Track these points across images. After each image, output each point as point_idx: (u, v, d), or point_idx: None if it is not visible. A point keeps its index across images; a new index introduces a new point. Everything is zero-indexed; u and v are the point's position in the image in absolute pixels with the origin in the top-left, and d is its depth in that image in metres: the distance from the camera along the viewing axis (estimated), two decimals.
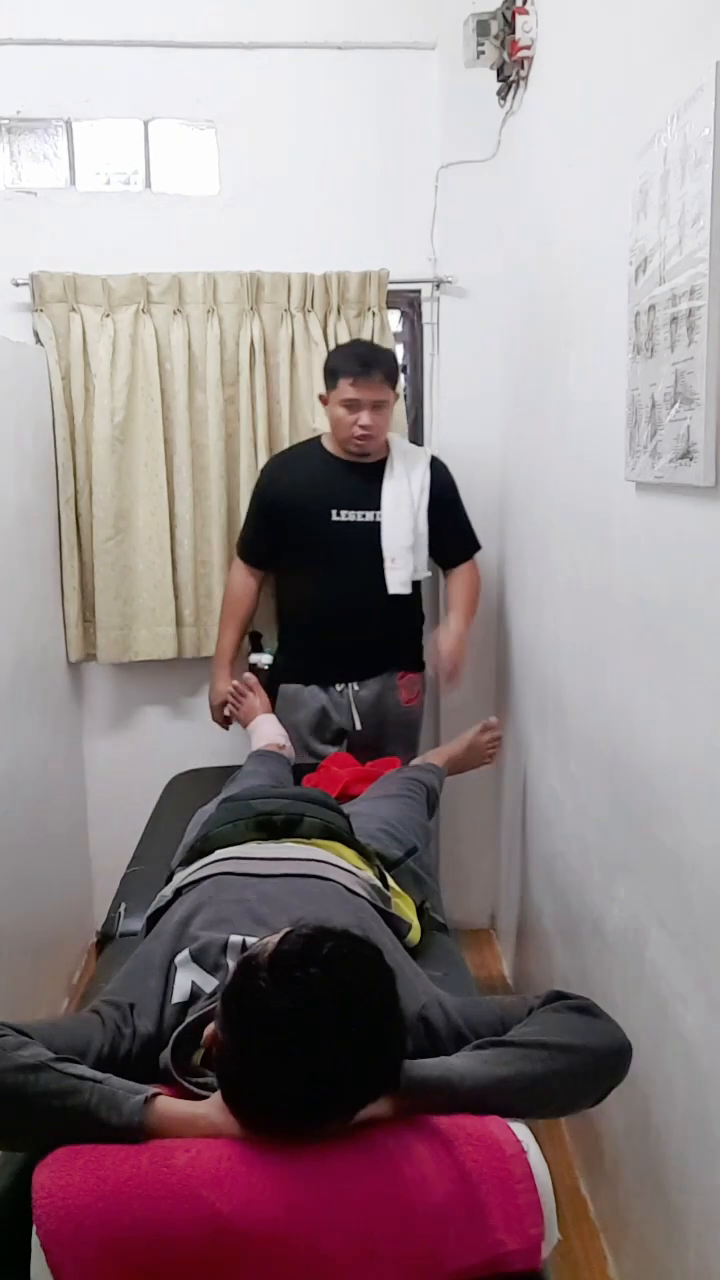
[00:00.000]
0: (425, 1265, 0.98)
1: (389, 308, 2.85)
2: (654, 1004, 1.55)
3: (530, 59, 2.33)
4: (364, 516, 2.55)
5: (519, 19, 2.30)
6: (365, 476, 2.56)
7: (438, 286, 2.87)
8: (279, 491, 2.63)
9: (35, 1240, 0.95)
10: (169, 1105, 1.07)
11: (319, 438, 2.65)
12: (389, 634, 2.65)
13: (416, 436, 3.02)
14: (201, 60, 2.75)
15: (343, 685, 2.65)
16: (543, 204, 2.28)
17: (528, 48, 2.31)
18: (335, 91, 2.80)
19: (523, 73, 2.39)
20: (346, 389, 2.44)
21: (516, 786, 2.70)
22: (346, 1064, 1.00)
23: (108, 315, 2.74)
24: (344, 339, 2.79)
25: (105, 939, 1.94)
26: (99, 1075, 1.07)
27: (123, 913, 1.94)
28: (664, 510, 1.46)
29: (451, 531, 2.66)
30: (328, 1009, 0.99)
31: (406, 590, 2.56)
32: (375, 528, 2.55)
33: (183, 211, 2.82)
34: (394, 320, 2.96)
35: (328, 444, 2.61)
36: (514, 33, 2.33)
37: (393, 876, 1.76)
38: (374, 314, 2.79)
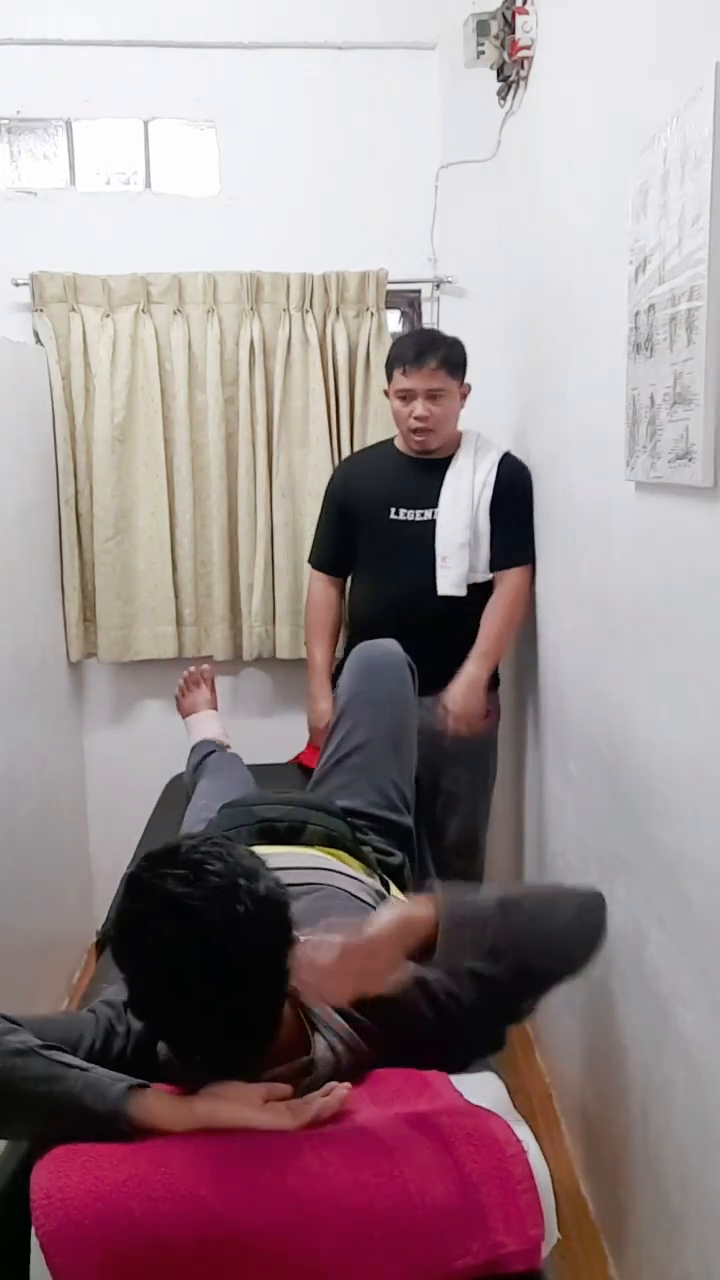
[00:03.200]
0: (425, 1266, 0.98)
1: (389, 308, 2.85)
2: (654, 1004, 1.55)
3: (530, 59, 2.33)
4: (422, 515, 2.42)
5: (519, 19, 2.30)
6: (430, 473, 2.42)
7: (437, 286, 2.87)
8: (346, 492, 2.54)
9: (35, 1241, 0.95)
10: (156, 1095, 1.06)
11: (394, 437, 2.54)
12: (449, 642, 2.39)
13: None
14: (201, 60, 2.75)
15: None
16: (543, 204, 2.28)
17: (528, 48, 2.31)
18: (335, 91, 2.80)
19: (523, 73, 2.39)
20: (400, 379, 2.32)
21: (515, 786, 2.70)
22: (209, 954, 1.00)
23: (108, 315, 2.74)
24: (342, 339, 2.79)
25: (105, 939, 1.93)
26: (86, 1064, 1.06)
27: None
28: (664, 510, 1.46)
29: (500, 530, 2.42)
30: (170, 908, 1.01)
31: (458, 591, 2.38)
32: (433, 526, 2.40)
33: (183, 211, 2.82)
34: (394, 320, 2.96)
35: (399, 443, 2.50)
36: (514, 33, 2.33)
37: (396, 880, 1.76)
38: (373, 314, 2.79)
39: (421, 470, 2.43)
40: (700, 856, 1.36)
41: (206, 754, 2.36)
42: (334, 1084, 1.09)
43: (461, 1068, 1.22)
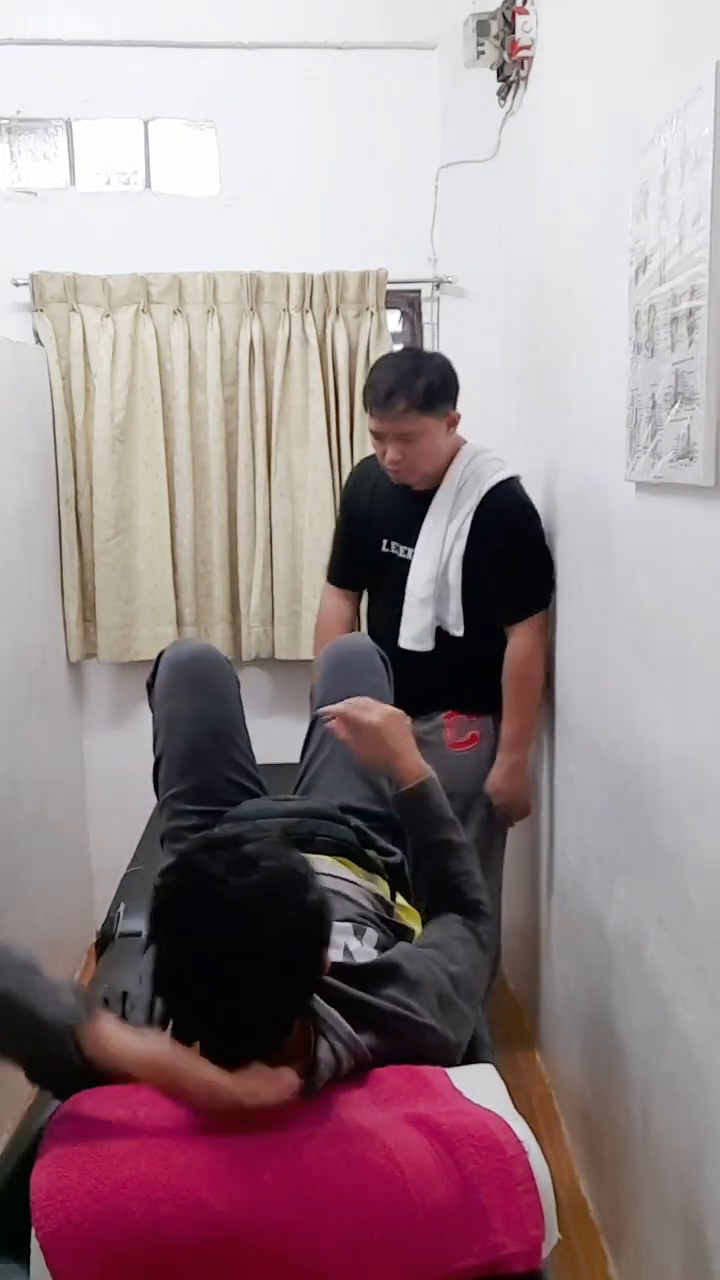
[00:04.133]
0: (425, 1266, 0.98)
1: (388, 308, 2.85)
2: (654, 1004, 1.55)
3: (530, 59, 2.33)
4: (406, 553, 2.21)
5: (519, 19, 2.30)
6: (419, 505, 2.19)
7: (437, 286, 2.87)
8: (352, 504, 2.38)
9: (35, 1243, 0.95)
10: (118, 1023, 1.06)
11: None
12: (435, 677, 2.22)
13: None
14: (201, 60, 2.75)
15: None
16: (543, 204, 2.28)
17: (528, 48, 2.31)
18: (335, 91, 2.79)
19: (523, 73, 2.39)
20: (370, 418, 2.13)
21: None
22: (241, 945, 1.01)
23: (108, 315, 2.74)
24: (342, 339, 2.78)
25: (105, 939, 1.94)
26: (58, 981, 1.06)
27: (122, 913, 1.94)
28: (664, 510, 1.46)
29: (493, 581, 2.16)
30: (217, 892, 1.02)
31: (420, 646, 2.19)
32: (409, 568, 2.22)
33: (183, 211, 2.82)
34: (393, 320, 2.96)
35: None
36: (514, 33, 2.33)
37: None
38: (373, 314, 2.79)
39: (411, 500, 2.20)
40: (700, 856, 1.36)
41: None
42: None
43: (464, 1047, 1.25)
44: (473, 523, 2.13)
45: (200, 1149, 1.01)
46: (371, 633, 2.30)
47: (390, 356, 2.24)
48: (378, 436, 2.12)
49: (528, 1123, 1.10)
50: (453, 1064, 1.21)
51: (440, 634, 2.19)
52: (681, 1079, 1.44)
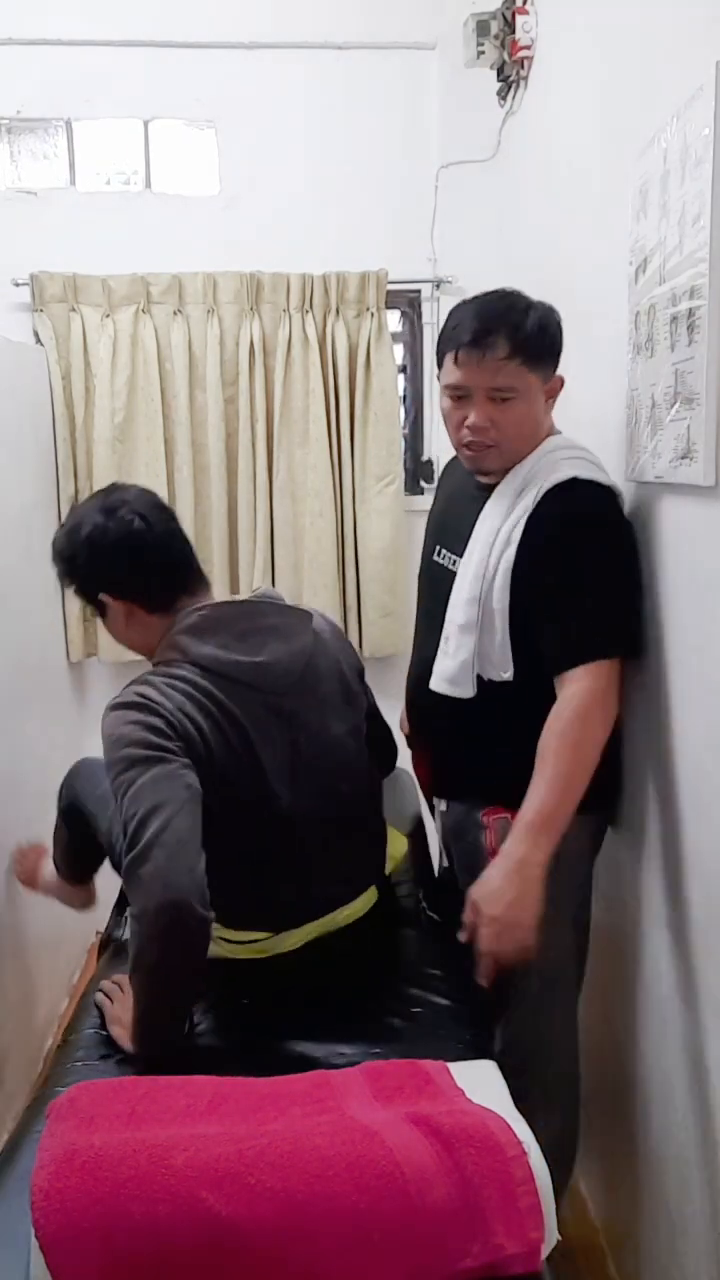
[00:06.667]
0: (425, 1267, 0.98)
1: (389, 308, 2.85)
2: (654, 1004, 1.55)
3: (530, 59, 2.33)
4: (454, 563, 1.63)
5: (519, 19, 2.30)
6: (480, 506, 1.61)
7: (438, 286, 2.87)
8: (433, 507, 1.83)
9: (34, 1244, 0.95)
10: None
11: None
12: (474, 743, 1.62)
13: (415, 440, 3.02)
14: (201, 60, 2.75)
15: (437, 797, 1.74)
16: (543, 204, 2.27)
17: (528, 48, 2.31)
18: (335, 91, 2.80)
19: (523, 73, 2.39)
20: (451, 369, 1.53)
21: None
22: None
23: (108, 315, 2.74)
24: (342, 339, 2.78)
25: (107, 940, 1.94)
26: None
27: (126, 918, 1.93)
28: (664, 510, 1.46)
29: (542, 608, 1.51)
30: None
31: (456, 691, 1.58)
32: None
33: (183, 211, 2.82)
34: (394, 320, 2.96)
35: None
36: (514, 33, 2.33)
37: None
38: (373, 314, 2.79)
39: (480, 498, 1.61)
40: (701, 855, 1.36)
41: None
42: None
43: None
44: (525, 529, 1.52)
45: (200, 1149, 1.01)
46: (410, 672, 1.75)
47: (478, 297, 1.58)
48: (457, 395, 1.54)
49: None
50: None
51: (485, 680, 1.57)
52: (682, 1078, 1.44)
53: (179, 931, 1.23)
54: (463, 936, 1.43)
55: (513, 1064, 1.31)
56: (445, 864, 1.81)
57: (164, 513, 1.55)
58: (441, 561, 1.67)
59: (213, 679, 1.43)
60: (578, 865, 1.60)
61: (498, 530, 1.54)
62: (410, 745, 1.80)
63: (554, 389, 1.57)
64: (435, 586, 1.66)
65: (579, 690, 1.46)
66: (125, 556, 1.49)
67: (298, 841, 1.49)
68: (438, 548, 1.70)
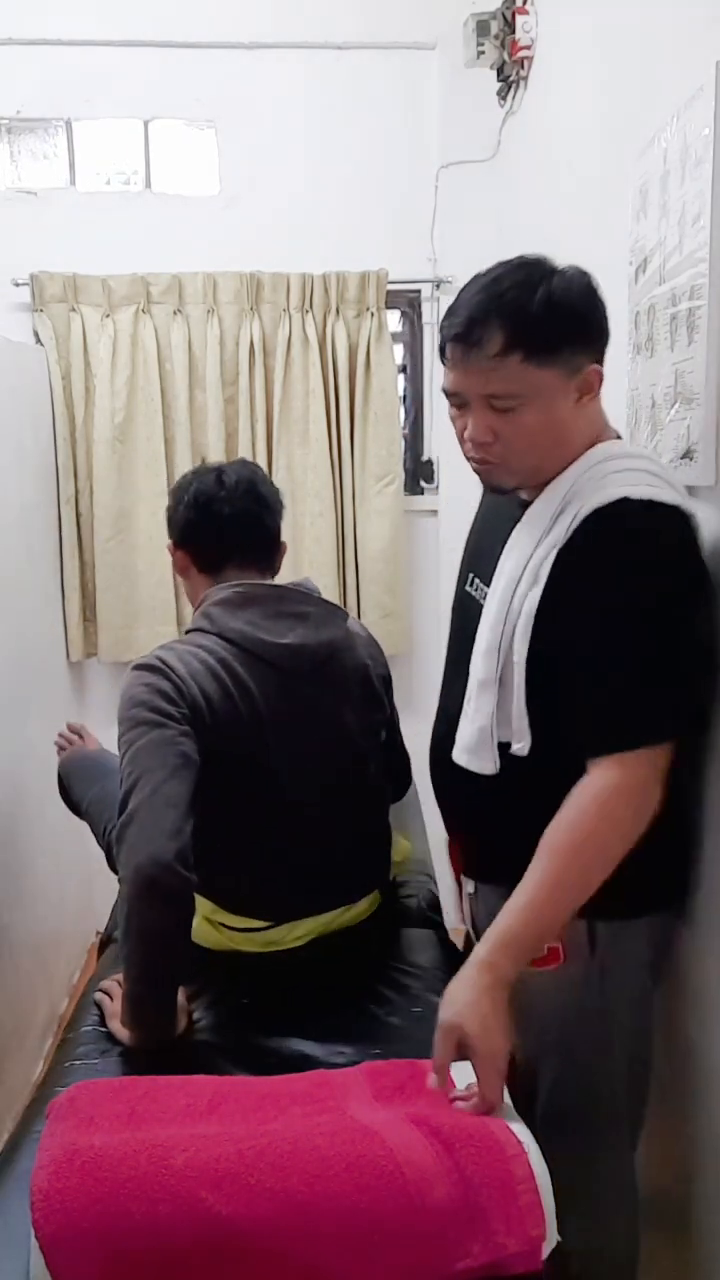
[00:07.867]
0: (425, 1267, 0.98)
1: (389, 308, 2.85)
2: (655, 1002, 1.54)
3: (530, 59, 2.33)
4: (484, 596, 1.32)
5: (519, 19, 2.30)
6: (512, 526, 1.29)
7: (437, 286, 2.87)
8: (472, 525, 1.50)
9: (34, 1244, 0.95)
10: None
11: None
12: (497, 829, 1.30)
13: (415, 441, 3.02)
14: (201, 60, 2.76)
15: (467, 878, 1.44)
16: (542, 204, 2.28)
17: (528, 48, 2.31)
18: (335, 91, 2.80)
19: (523, 73, 2.39)
20: (446, 368, 1.23)
21: None
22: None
23: (108, 315, 2.74)
24: (342, 339, 2.78)
25: (107, 940, 1.93)
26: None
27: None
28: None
29: (564, 669, 1.20)
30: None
31: (476, 765, 1.28)
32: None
33: (183, 211, 2.82)
34: (394, 320, 2.96)
35: None
36: (514, 33, 2.33)
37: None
38: (373, 314, 2.79)
39: (513, 517, 1.28)
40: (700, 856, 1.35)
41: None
42: None
43: None
44: (555, 563, 1.20)
45: (200, 1149, 1.01)
46: (434, 729, 1.43)
47: (496, 265, 1.21)
48: (455, 402, 1.24)
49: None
50: None
51: (508, 752, 1.26)
52: (683, 1077, 1.44)
53: (159, 890, 1.25)
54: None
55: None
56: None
57: (250, 488, 1.62)
58: (473, 592, 1.37)
59: (235, 652, 1.48)
60: (633, 978, 1.31)
61: (525, 564, 1.22)
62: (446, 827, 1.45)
63: (588, 384, 1.19)
64: (466, 622, 1.35)
65: (606, 783, 1.14)
66: (191, 509, 1.63)
67: (298, 826, 1.50)
68: (470, 575, 1.39)
